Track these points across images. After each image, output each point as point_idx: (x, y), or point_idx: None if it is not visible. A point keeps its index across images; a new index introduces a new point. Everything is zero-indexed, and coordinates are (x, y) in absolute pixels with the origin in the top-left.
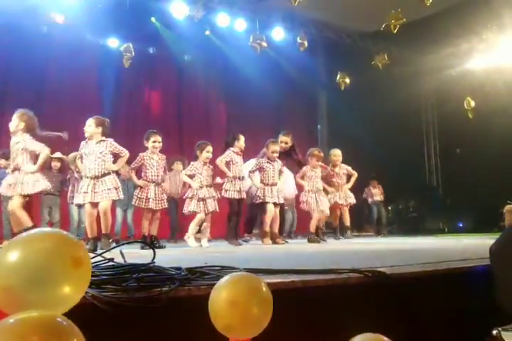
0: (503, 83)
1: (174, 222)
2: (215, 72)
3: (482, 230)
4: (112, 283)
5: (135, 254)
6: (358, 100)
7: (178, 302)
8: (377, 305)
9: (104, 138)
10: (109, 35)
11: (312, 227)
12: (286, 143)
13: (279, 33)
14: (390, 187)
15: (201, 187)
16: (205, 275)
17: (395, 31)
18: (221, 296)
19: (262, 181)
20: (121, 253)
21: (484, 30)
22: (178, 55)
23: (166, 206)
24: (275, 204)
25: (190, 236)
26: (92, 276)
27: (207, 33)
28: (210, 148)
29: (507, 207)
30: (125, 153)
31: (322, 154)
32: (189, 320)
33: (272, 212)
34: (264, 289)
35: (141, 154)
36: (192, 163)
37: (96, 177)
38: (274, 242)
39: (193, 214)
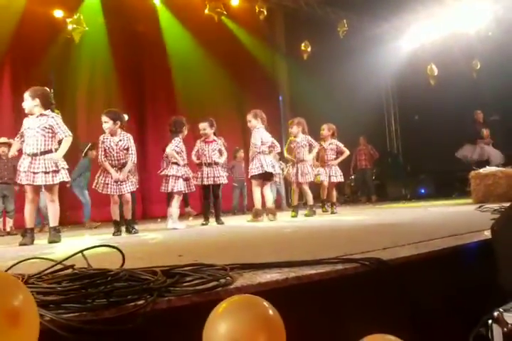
0: (459, 50)
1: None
2: (170, 43)
3: (443, 195)
4: (75, 300)
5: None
6: (318, 69)
7: (158, 318)
8: (377, 295)
9: (45, 111)
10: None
11: (310, 198)
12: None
13: (235, 1)
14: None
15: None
16: (185, 278)
17: None
18: (219, 333)
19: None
20: (85, 258)
21: None
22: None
23: None
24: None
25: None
26: (49, 293)
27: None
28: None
29: (472, 173)
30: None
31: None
32: (170, 338)
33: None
34: (274, 317)
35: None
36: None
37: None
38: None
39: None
